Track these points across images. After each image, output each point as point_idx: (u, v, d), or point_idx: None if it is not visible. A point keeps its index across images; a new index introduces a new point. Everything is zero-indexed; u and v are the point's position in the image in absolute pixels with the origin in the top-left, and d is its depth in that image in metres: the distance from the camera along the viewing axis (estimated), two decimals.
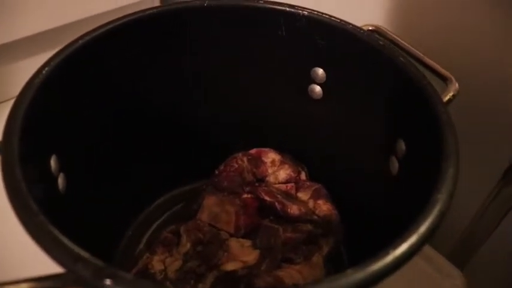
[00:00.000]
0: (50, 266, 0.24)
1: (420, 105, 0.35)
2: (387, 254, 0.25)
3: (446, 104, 0.39)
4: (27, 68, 0.61)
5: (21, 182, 0.27)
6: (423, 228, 0.26)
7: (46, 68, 0.34)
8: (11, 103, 0.60)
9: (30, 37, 0.60)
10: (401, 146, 0.38)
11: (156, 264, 0.40)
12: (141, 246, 0.47)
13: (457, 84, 0.39)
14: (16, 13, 0.57)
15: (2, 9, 0.56)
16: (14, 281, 0.24)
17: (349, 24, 0.41)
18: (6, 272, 0.42)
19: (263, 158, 0.48)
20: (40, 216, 0.25)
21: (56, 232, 0.25)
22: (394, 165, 0.39)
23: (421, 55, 0.41)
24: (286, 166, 0.48)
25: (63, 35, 0.62)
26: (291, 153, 0.50)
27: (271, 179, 0.47)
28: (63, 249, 0.24)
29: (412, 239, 0.26)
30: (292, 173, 0.47)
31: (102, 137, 0.42)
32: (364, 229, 0.44)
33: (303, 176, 0.48)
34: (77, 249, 0.24)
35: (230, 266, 0.39)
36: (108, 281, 0.22)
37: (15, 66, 0.62)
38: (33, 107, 0.32)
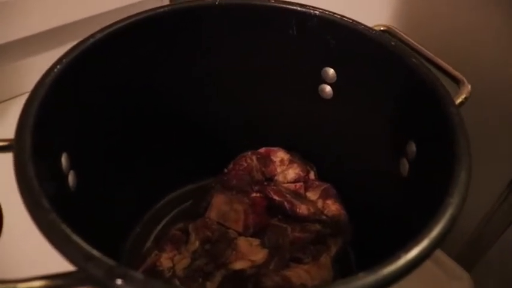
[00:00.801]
0: (61, 265, 0.24)
1: (432, 106, 0.35)
2: (399, 257, 0.24)
3: (459, 106, 0.39)
4: (35, 65, 0.62)
5: (33, 179, 0.27)
6: (435, 232, 0.26)
7: (58, 66, 0.34)
8: (18, 100, 0.61)
9: (38, 34, 0.60)
10: (412, 147, 0.38)
11: (165, 261, 0.40)
12: (150, 242, 0.47)
13: (469, 87, 0.39)
14: (24, 11, 0.57)
15: (9, 8, 0.56)
16: (26, 278, 0.24)
17: (361, 24, 0.41)
18: (18, 270, 0.42)
19: (272, 157, 0.48)
20: (52, 214, 0.25)
21: (68, 230, 0.25)
22: (405, 166, 0.39)
23: (433, 56, 0.41)
24: (295, 165, 0.48)
25: (70, 32, 0.63)
26: (301, 152, 0.50)
27: (280, 178, 0.47)
28: (75, 247, 0.24)
29: (424, 243, 0.25)
30: (301, 172, 0.47)
31: (112, 135, 0.42)
32: (372, 230, 0.44)
33: (312, 175, 0.48)
34: (89, 248, 0.24)
35: (238, 265, 0.39)
36: (119, 281, 0.22)
37: (23, 63, 0.62)
38: (45, 104, 0.32)
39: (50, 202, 0.26)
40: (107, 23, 0.64)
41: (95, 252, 0.24)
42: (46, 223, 0.25)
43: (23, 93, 0.63)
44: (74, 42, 0.60)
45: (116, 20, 0.63)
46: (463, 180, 0.28)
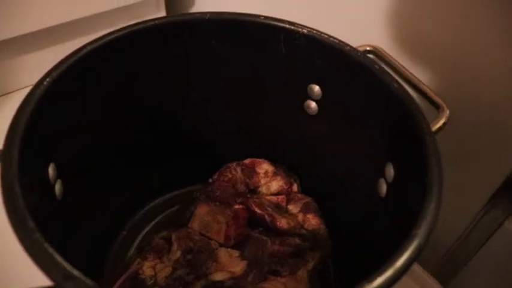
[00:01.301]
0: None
1: (409, 133, 0.36)
2: (363, 287, 0.26)
3: (437, 131, 0.40)
4: (36, 61, 0.62)
5: (19, 197, 0.28)
6: (399, 263, 0.27)
7: (47, 79, 0.35)
8: (16, 94, 0.62)
9: (37, 32, 0.61)
10: (390, 170, 0.39)
11: (147, 270, 0.41)
12: (133, 249, 0.48)
13: (448, 112, 0.40)
14: (22, 9, 0.58)
15: (8, 5, 0.57)
16: None
17: (347, 45, 0.42)
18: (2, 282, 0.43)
19: (257, 169, 0.49)
20: (36, 233, 0.26)
21: (51, 250, 0.26)
22: (383, 187, 0.40)
23: (416, 80, 0.42)
24: (279, 178, 0.49)
25: (67, 31, 0.63)
26: (285, 164, 0.51)
27: (263, 189, 0.48)
28: (56, 266, 0.25)
29: (388, 273, 0.27)
30: (284, 185, 0.49)
31: (99, 143, 0.43)
32: (351, 245, 0.45)
33: (295, 187, 0.50)
34: (69, 267, 0.25)
35: (218, 276, 0.40)
36: None
37: (25, 58, 0.63)
38: (34, 117, 0.33)
39: (35, 216, 0.27)
40: (104, 23, 0.65)
41: (75, 272, 0.25)
42: (29, 242, 0.26)
43: (18, 89, 0.64)
44: (67, 42, 0.60)
45: (113, 21, 0.64)
46: (431, 212, 0.30)
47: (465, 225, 0.54)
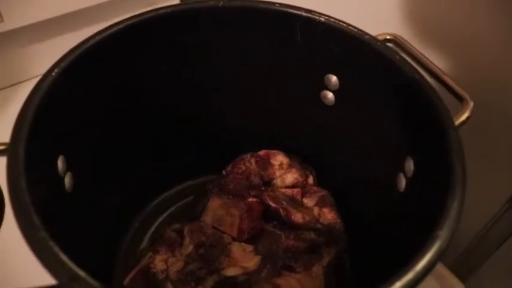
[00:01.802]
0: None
1: (431, 126, 0.34)
2: None
3: (460, 125, 0.38)
4: (47, 50, 0.62)
5: (25, 193, 0.27)
6: (420, 265, 0.26)
7: (55, 70, 0.34)
8: (27, 84, 0.61)
9: (49, 20, 0.60)
10: (410, 164, 0.38)
11: (159, 263, 0.40)
12: (146, 241, 0.48)
13: (472, 104, 0.38)
14: None
15: None
16: None
17: (366, 34, 0.40)
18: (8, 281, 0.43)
19: (271, 160, 0.48)
20: (42, 231, 0.25)
21: (56, 249, 0.25)
22: (402, 182, 0.39)
23: (438, 71, 0.40)
24: (294, 170, 0.47)
25: (78, 19, 0.62)
26: (301, 155, 0.50)
27: (278, 182, 0.47)
28: (62, 266, 0.24)
29: (408, 277, 0.26)
30: (299, 177, 0.47)
31: (110, 134, 0.43)
32: (368, 240, 0.44)
33: (311, 180, 0.48)
34: (75, 267, 0.24)
35: (230, 271, 0.39)
36: None
37: (36, 47, 0.62)
38: (42, 109, 0.32)
39: (42, 217, 0.26)
40: (118, 11, 0.64)
41: (81, 272, 0.24)
42: (35, 241, 0.25)
43: (28, 79, 0.63)
44: (78, 30, 0.59)
45: (126, 7, 0.63)
46: (455, 212, 0.28)
47: (485, 221, 0.52)
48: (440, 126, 0.33)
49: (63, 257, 0.25)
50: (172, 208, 0.51)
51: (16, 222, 0.26)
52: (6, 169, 0.29)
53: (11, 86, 0.63)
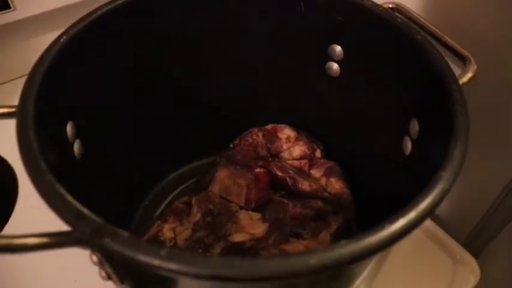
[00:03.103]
0: None
1: (435, 84, 0.34)
2: (383, 228, 0.24)
3: (464, 84, 0.38)
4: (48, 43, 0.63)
5: (33, 142, 0.28)
6: (423, 205, 0.26)
7: (64, 36, 0.35)
8: None
9: (61, 8, 0.61)
10: (415, 125, 0.38)
11: (167, 232, 0.41)
12: (156, 216, 0.48)
13: (475, 66, 0.38)
14: None
15: None
16: (21, 235, 0.25)
17: (368, 1, 0.40)
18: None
19: (278, 134, 0.48)
20: (48, 175, 0.26)
21: (62, 190, 0.26)
22: (407, 145, 0.39)
23: (441, 33, 0.40)
24: (301, 143, 0.48)
25: (89, 8, 0.63)
26: (308, 130, 0.50)
27: (285, 155, 0.47)
28: (67, 206, 0.25)
29: (411, 215, 0.25)
30: (306, 150, 0.47)
31: (120, 106, 0.43)
32: (376, 208, 0.44)
33: (318, 153, 0.48)
34: (80, 207, 0.25)
35: (238, 237, 0.40)
36: (107, 239, 0.23)
37: (47, 37, 0.63)
38: (50, 73, 0.33)
39: (50, 166, 0.27)
40: None
41: (85, 210, 0.25)
42: (42, 183, 0.26)
43: None
44: None
45: None
46: (457, 155, 0.28)
47: (495, 196, 0.52)
48: (443, 81, 0.33)
49: (69, 198, 0.25)
50: (181, 187, 0.52)
51: (24, 168, 0.27)
52: (16, 125, 0.29)
53: (24, 75, 0.64)
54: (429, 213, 0.26)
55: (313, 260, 0.23)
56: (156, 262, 0.22)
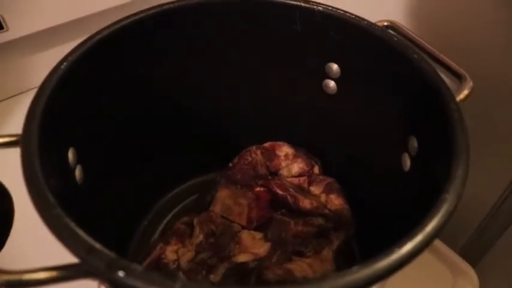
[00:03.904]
0: (68, 258, 0.25)
1: (433, 102, 0.35)
2: (392, 252, 0.25)
3: (460, 102, 0.39)
4: (51, 58, 0.63)
5: (39, 174, 0.28)
6: (429, 228, 0.26)
7: (65, 63, 0.35)
8: (26, 95, 0.62)
9: (49, 29, 0.61)
10: (414, 143, 0.38)
11: (169, 254, 0.41)
12: (156, 235, 0.48)
13: (471, 83, 0.39)
14: (39, 4, 0.58)
15: (21, 2, 0.57)
16: (31, 270, 0.25)
17: (364, 20, 0.41)
18: (30, 263, 0.44)
19: (277, 152, 0.49)
20: (57, 208, 0.26)
21: (72, 224, 0.26)
22: (406, 162, 0.39)
23: (436, 52, 0.41)
24: (300, 160, 0.48)
25: (78, 28, 0.63)
26: (305, 147, 0.51)
27: (284, 172, 0.48)
28: (78, 240, 0.25)
29: (418, 238, 0.26)
30: (305, 167, 0.48)
31: (118, 129, 0.43)
32: (375, 224, 0.44)
33: (316, 170, 0.49)
34: (92, 241, 0.25)
35: (241, 258, 0.40)
36: (121, 273, 0.23)
37: (35, 58, 0.63)
38: (52, 101, 0.33)
39: (55, 196, 0.27)
40: (116, 19, 0.65)
41: (97, 245, 0.25)
42: (51, 217, 0.26)
43: (33, 88, 0.64)
44: (83, 38, 0.60)
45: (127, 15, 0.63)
46: (460, 177, 0.29)
47: (491, 205, 0.53)
48: (441, 100, 0.34)
49: (79, 231, 0.25)
50: (180, 205, 0.52)
51: (32, 201, 0.27)
52: (21, 156, 0.29)
53: (17, 95, 0.64)
54: (436, 235, 0.27)
55: (327, 287, 0.23)
56: None
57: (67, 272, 0.25)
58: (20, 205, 0.49)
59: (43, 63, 0.63)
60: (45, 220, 0.26)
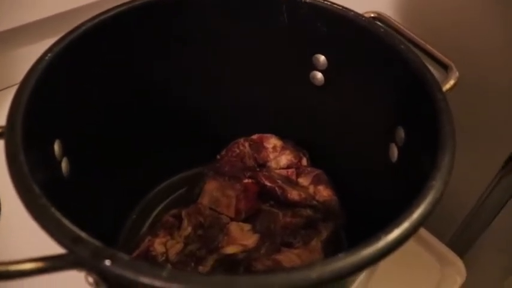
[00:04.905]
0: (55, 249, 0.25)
1: (419, 92, 0.35)
2: (379, 239, 0.25)
3: (447, 92, 0.39)
4: (35, 53, 0.62)
5: (24, 165, 0.27)
6: (416, 214, 0.26)
7: (49, 54, 0.35)
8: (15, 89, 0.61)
9: (38, 22, 0.60)
10: (401, 133, 0.38)
11: (158, 246, 0.40)
12: (145, 229, 0.48)
13: (457, 73, 0.39)
14: None
15: None
16: (17, 261, 0.25)
17: (351, 11, 0.41)
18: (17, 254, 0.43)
19: (265, 144, 0.49)
20: (42, 198, 0.26)
21: (57, 214, 0.25)
22: (394, 152, 0.40)
23: (423, 42, 0.41)
24: (288, 152, 0.48)
25: (70, 20, 0.62)
26: (293, 139, 0.51)
27: (272, 164, 0.48)
28: (64, 230, 0.25)
29: (405, 225, 0.26)
30: (293, 159, 0.48)
31: (105, 122, 0.43)
32: (364, 214, 0.44)
33: (304, 161, 0.49)
34: (77, 230, 0.25)
35: (230, 250, 0.40)
36: (107, 262, 0.23)
37: (23, 51, 0.63)
38: (36, 92, 0.33)
39: (41, 188, 0.27)
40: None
41: (83, 234, 0.25)
42: (36, 208, 0.25)
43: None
44: None
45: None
46: (446, 164, 0.29)
47: (478, 196, 0.53)
48: (427, 90, 0.34)
49: (65, 221, 0.25)
50: (169, 199, 0.51)
51: (16, 192, 0.26)
52: (5, 147, 0.29)
53: (6, 88, 0.63)
54: (422, 222, 0.27)
55: (314, 274, 0.23)
56: (157, 283, 0.22)
57: (53, 263, 0.25)
58: (5, 198, 0.49)
59: (30, 57, 0.62)
60: (30, 210, 0.25)
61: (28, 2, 0.58)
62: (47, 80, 0.34)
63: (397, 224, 0.26)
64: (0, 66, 0.62)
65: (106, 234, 0.47)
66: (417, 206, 0.27)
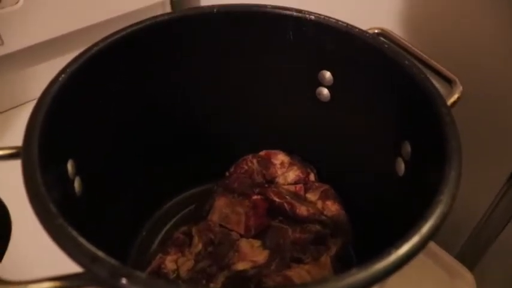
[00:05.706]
0: (70, 266, 0.25)
1: (424, 107, 0.36)
2: (390, 254, 0.25)
3: (451, 106, 0.40)
4: (47, 71, 0.63)
5: (41, 185, 0.28)
6: (425, 229, 0.27)
7: (63, 75, 0.36)
8: (25, 107, 0.63)
9: (44, 43, 0.62)
10: (407, 147, 0.39)
11: (169, 264, 0.41)
12: (155, 246, 0.48)
13: (461, 87, 0.40)
14: (34, 17, 0.59)
15: (22, 14, 0.57)
16: (36, 280, 0.25)
17: (356, 28, 0.42)
18: (29, 272, 0.44)
19: (272, 160, 0.49)
20: (59, 218, 0.26)
21: (74, 233, 0.26)
22: (400, 166, 0.40)
23: (426, 57, 0.42)
24: (295, 167, 0.49)
25: (74, 41, 0.64)
26: (300, 155, 0.51)
27: (280, 180, 0.48)
28: (81, 249, 0.25)
29: (414, 240, 0.26)
30: (301, 174, 0.48)
31: (116, 140, 0.44)
32: (372, 229, 0.45)
33: (312, 177, 0.49)
34: (95, 249, 0.25)
35: (240, 266, 0.40)
36: (123, 280, 0.24)
37: (36, 69, 0.64)
38: (51, 113, 0.33)
39: (57, 207, 0.28)
40: (110, 31, 0.66)
41: (100, 253, 0.25)
42: (54, 227, 0.26)
43: (29, 101, 0.65)
44: (78, 50, 0.61)
45: (121, 26, 0.64)
46: (453, 178, 0.29)
47: (486, 207, 0.53)
48: (433, 105, 0.35)
49: (82, 241, 0.26)
50: (179, 215, 0.52)
51: (34, 212, 0.27)
52: (22, 167, 0.30)
53: (14, 108, 0.64)
54: (432, 236, 0.27)
55: None
56: None
57: (71, 281, 0.25)
58: (18, 217, 0.50)
59: (40, 76, 0.64)
60: (48, 231, 0.26)
61: (35, 24, 0.59)
62: (61, 101, 0.35)
63: (407, 239, 0.26)
64: (9, 86, 0.63)
65: (116, 252, 0.47)
66: (426, 220, 0.27)
